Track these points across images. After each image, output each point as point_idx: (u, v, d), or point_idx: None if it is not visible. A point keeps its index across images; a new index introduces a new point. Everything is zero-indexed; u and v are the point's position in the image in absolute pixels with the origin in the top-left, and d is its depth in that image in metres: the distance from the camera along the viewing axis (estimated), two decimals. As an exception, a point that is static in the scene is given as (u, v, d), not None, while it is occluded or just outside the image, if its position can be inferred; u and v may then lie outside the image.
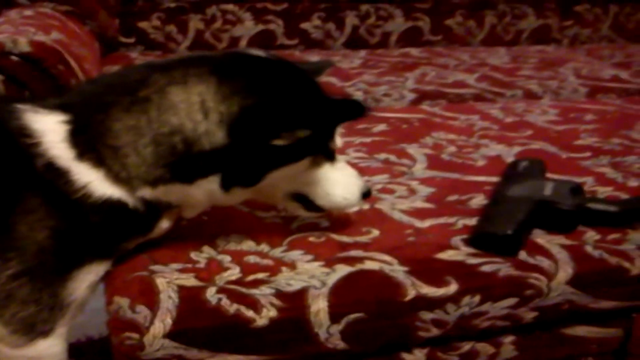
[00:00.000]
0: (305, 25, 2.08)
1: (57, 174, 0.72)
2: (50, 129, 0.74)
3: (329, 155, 0.84)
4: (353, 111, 0.77)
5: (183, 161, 0.74)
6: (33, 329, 0.75)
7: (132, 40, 1.93)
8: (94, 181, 0.73)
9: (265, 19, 2.05)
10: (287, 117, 0.75)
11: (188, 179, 0.75)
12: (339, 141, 0.86)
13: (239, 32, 2.02)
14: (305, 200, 0.86)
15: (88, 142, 0.74)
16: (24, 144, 0.73)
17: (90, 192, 0.73)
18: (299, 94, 0.79)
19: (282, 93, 0.77)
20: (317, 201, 0.85)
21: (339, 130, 0.85)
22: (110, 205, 0.74)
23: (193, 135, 0.73)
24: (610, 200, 0.99)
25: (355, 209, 0.92)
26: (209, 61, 0.77)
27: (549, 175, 1.05)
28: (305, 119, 0.76)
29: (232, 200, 0.82)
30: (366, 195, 0.88)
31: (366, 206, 0.96)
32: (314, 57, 1.93)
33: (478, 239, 0.88)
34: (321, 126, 0.79)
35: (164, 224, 0.81)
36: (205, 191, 0.77)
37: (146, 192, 0.75)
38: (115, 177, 0.74)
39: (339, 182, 0.85)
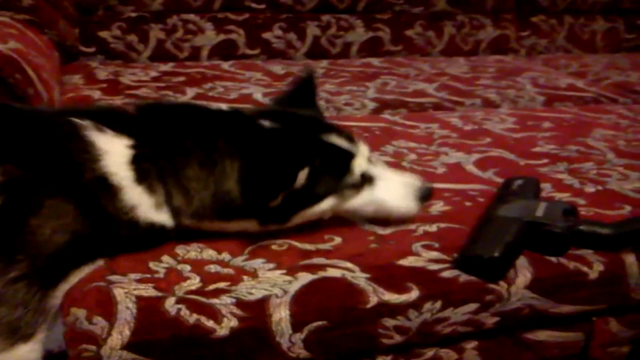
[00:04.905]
0: (266, 35, 2.08)
1: (106, 190, 0.79)
2: (116, 150, 0.81)
3: (359, 185, 0.90)
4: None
5: (227, 212, 0.86)
6: (16, 333, 0.75)
7: (92, 49, 1.90)
8: (142, 205, 0.81)
9: (227, 28, 2.04)
10: (277, 172, 0.84)
11: (228, 219, 0.87)
12: (362, 164, 0.91)
13: (201, 42, 2.01)
14: None
15: (153, 171, 0.82)
16: (77, 156, 0.79)
17: (136, 216, 0.81)
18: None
19: (264, 152, 0.85)
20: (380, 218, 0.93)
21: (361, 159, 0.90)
22: (151, 228, 0.82)
23: (235, 197, 0.84)
24: (604, 223, 0.95)
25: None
26: (227, 136, 0.87)
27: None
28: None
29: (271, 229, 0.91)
30: (425, 197, 0.93)
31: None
32: (275, 66, 1.93)
33: (464, 262, 0.86)
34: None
35: None
36: (241, 226, 0.88)
37: (190, 222, 0.85)
38: (171, 208, 0.83)
39: (389, 199, 0.92)
